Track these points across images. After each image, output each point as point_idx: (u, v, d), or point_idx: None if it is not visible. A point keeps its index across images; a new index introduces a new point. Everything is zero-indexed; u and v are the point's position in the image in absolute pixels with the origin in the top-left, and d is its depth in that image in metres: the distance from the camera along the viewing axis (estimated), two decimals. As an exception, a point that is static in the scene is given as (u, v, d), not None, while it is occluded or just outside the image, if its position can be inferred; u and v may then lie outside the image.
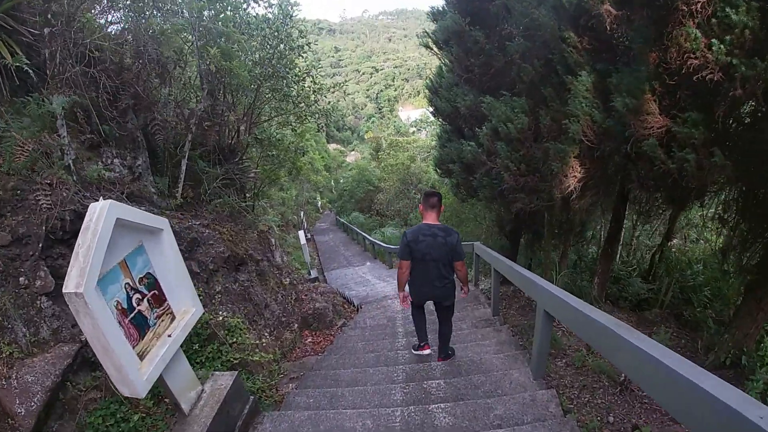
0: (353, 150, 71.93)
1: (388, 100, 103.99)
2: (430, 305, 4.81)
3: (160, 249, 3.11)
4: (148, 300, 2.92)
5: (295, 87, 8.88)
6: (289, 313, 6.93)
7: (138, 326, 2.78)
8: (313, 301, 7.31)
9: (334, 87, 9.42)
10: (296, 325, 6.86)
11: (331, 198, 38.79)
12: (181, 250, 5.66)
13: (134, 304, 2.78)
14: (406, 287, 4.51)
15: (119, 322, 2.59)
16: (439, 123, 8.56)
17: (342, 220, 28.04)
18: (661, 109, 3.36)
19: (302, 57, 8.97)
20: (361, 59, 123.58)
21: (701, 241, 11.41)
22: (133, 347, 2.69)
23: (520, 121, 4.73)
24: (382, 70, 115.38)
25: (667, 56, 3.09)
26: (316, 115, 9.64)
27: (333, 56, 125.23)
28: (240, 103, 8.98)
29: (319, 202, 38.06)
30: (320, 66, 9.27)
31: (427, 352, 4.89)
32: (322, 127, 9.77)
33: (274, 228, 10.61)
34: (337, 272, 15.87)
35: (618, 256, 9.04)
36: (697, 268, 7.25)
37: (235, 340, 5.26)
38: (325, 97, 9.53)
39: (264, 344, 5.79)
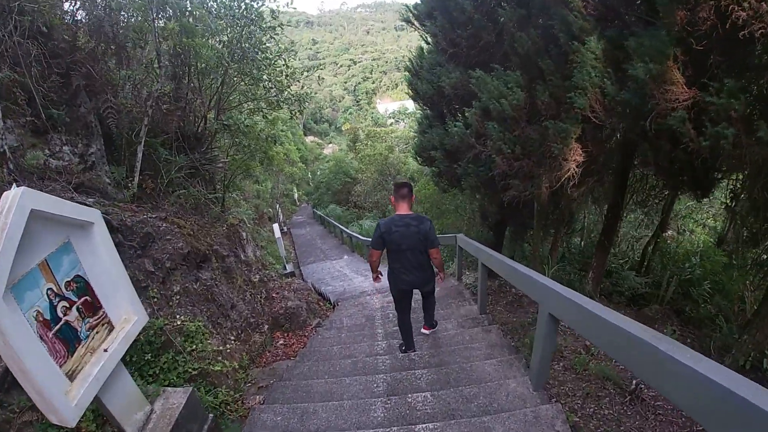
0: (330, 143, 71.21)
1: (366, 93, 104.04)
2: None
3: (91, 247, 2.57)
4: (77, 308, 2.44)
5: (266, 70, 8.30)
6: (259, 314, 6.38)
7: (66, 340, 2.29)
8: (285, 299, 6.76)
9: (307, 70, 8.83)
10: (266, 326, 6.33)
11: (308, 190, 38.01)
12: (133, 246, 5.09)
13: (59, 314, 2.30)
14: (385, 280, 4.75)
15: (40, 337, 2.11)
16: (419, 107, 8.05)
17: (319, 212, 27.46)
18: (685, 80, 2.91)
19: (274, 39, 8.41)
20: (339, 52, 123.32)
21: (687, 233, 11.20)
22: (60, 366, 2.22)
23: (516, 97, 4.22)
24: (360, 62, 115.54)
25: (695, 16, 2.63)
26: (289, 101, 9.06)
27: (311, 48, 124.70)
28: (208, 88, 8.38)
29: (296, 195, 37.35)
30: (293, 48, 8.66)
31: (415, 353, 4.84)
32: (295, 113, 9.17)
33: (246, 221, 10.03)
34: (313, 266, 15.33)
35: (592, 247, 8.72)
36: (695, 261, 6.89)
37: (194, 347, 4.73)
38: (299, 81, 8.96)
39: (229, 350, 5.25)
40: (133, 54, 7.05)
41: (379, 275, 4.71)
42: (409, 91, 7.67)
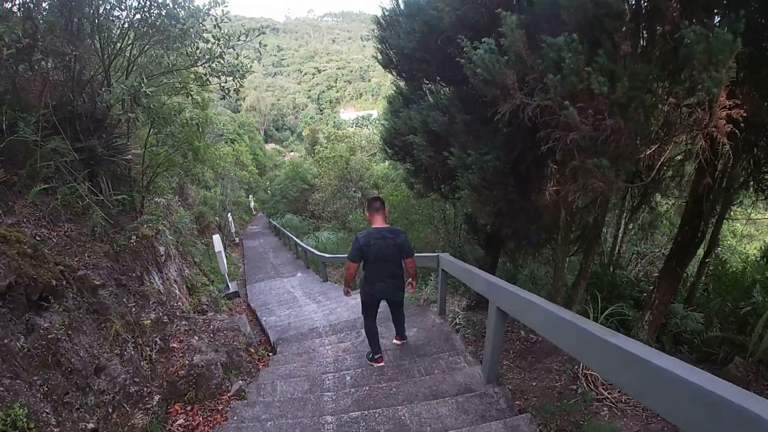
0: (292, 151, 68.79)
1: (330, 102, 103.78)
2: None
3: None
4: None
5: (189, 25, 6.18)
6: (146, 378, 4.14)
7: None
8: (192, 351, 4.50)
9: (245, 34, 6.66)
10: (157, 396, 4.07)
11: (264, 198, 35.34)
12: None
13: None
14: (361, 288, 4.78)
15: None
16: (392, 81, 5.99)
17: (274, 222, 25.03)
18: None
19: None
20: (304, 59, 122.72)
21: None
22: None
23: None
24: (324, 70, 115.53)
25: None
26: (222, 75, 6.88)
27: (275, 55, 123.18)
28: (108, 49, 6.21)
29: (252, 203, 34.74)
30: (226, 2, 6.51)
31: (380, 364, 4.72)
32: (229, 91, 7.03)
33: (166, 232, 7.72)
34: (261, 285, 13.02)
35: (611, 267, 6.81)
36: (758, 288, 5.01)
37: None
38: (234, 49, 6.79)
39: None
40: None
41: (350, 291, 4.94)
42: (378, 54, 5.58)
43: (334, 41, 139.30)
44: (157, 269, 6.62)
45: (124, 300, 4.58)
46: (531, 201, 4.42)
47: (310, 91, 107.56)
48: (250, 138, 43.68)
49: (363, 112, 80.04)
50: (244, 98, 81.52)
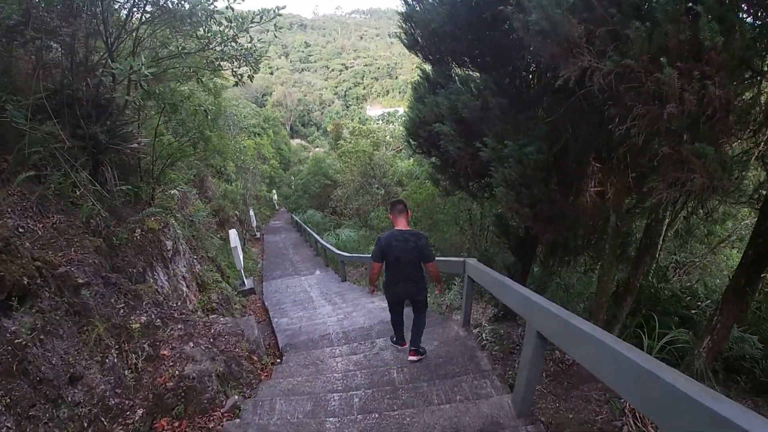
0: (317, 147, 68.70)
1: (356, 99, 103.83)
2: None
3: None
4: None
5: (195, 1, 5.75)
6: (129, 389, 3.67)
7: None
8: (183, 359, 4.02)
9: (261, 15, 6.13)
10: (141, 410, 3.60)
11: (287, 194, 35.10)
12: None
13: None
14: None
15: None
16: (416, 66, 5.43)
17: (296, 218, 24.74)
18: None
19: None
20: (331, 56, 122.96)
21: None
22: None
23: None
24: (351, 67, 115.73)
25: None
26: (235, 60, 6.41)
27: (302, 51, 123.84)
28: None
29: (275, 198, 34.54)
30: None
31: (405, 347, 4.96)
32: (243, 78, 6.56)
33: (175, 226, 7.31)
34: (278, 282, 12.61)
35: (652, 279, 6.09)
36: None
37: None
38: (248, 33, 6.27)
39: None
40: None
41: (375, 289, 5.15)
42: (402, 35, 5.01)
43: (361, 38, 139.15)
44: (163, 265, 6.23)
45: (112, 300, 4.13)
46: (571, 202, 3.84)
47: (336, 87, 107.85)
48: (275, 132, 43.61)
49: (389, 109, 79.48)
50: (271, 93, 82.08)
